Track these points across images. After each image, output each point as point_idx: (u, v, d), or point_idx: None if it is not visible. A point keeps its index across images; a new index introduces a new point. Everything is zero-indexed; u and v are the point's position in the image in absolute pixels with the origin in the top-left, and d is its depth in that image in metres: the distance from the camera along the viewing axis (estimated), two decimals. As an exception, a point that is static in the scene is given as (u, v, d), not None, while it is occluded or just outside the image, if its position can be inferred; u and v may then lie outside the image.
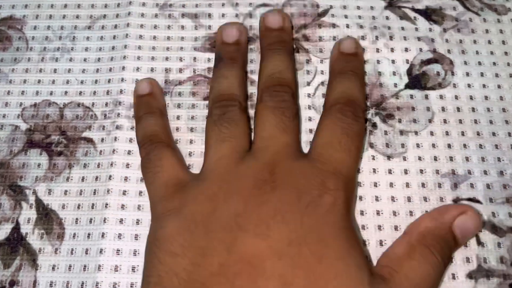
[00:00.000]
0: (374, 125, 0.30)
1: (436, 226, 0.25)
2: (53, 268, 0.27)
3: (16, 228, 0.28)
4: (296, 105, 0.29)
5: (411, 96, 0.31)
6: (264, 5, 0.34)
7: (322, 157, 0.26)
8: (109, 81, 0.32)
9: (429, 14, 0.33)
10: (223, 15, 0.34)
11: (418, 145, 0.30)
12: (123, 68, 0.32)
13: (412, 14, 0.33)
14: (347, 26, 0.33)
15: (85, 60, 0.33)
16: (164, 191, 0.26)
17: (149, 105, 0.30)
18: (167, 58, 0.33)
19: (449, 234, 0.25)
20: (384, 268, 0.24)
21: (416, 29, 0.33)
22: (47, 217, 0.29)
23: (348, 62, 0.30)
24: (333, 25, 0.33)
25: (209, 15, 0.34)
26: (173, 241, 0.23)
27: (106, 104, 0.31)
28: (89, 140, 0.31)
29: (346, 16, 0.34)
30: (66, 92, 0.32)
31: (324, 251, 0.22)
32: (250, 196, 0.24)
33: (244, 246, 0.22)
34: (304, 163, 0.26)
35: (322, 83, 0.31)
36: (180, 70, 0.33)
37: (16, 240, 0.28)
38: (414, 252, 0.24)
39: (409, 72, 0.32)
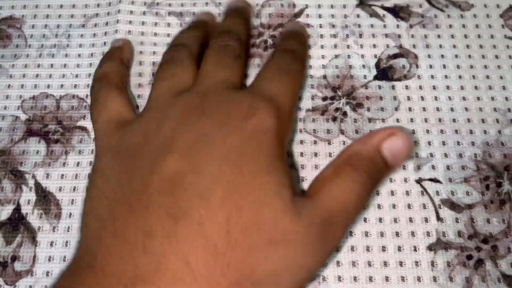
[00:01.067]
0: (345, 114, 0.32)
1: (364, 149, 0.24)
2: (51, 244, 0.29)
3: (17, 209, 0.30)
4: (241, 49, 0.30)
5: (379, 87, 0.33)
6: (245, 4, 0.36)
7: (255, 88, 0.27)
8: (102, 75, 0.34)
9: (397, 11, 0.35)
10: (207, 13, 0.36)
11: (384, 131, 0.32)
12: (115, 63, 0.34)
13: (381, 11, 0.36)
14: (320, 26, 0.35)
15: (79, 55, 0.35)
16: (105, 128, 0.27)
17: (113, 54, 0.32)
18: (154, 53, 0.35)
19: (377, 155, 0.24)
20: (310, 188, 0.24)
21: (384, 26, 0.35)
22: (45, 199, 0.31)
23: (295, 31, 0.34)
24: (308, 25, 0.35)
25: (194, 14, 0.36)
26: (106, 169, 0.24)
27: (99, 96, 0.33)
28: (83, 129, 0.32)
29: (320, 16, 0.36)
30: (62, 85, 0.34)
31: (244, 167, 0.22)
32: (179, 122, 0.24)
33: (167, 166, 0.22)
34: (237, 92, 0.26)
35: (298, 75, 0.33)
36: (168, 65, 0.34)
37: (17, 220, 0.30)
38: (340, 172, 0.24)
39: (377, 65, 0.34)
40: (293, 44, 0.31)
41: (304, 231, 0.22)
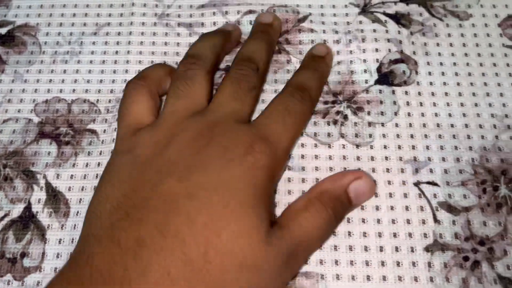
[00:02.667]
0: (346, 117, 0.32)
1: (333, 187, 0.27)
2: (59, 241, 0.30)
3: (28, 207, 0.31)
4: (257, 80, 0.31)
5: (380, 91, 0.33)
6: (250, 11, 0.36)
7: (259, 125, 0.28)
8: (113, 81, 0.35)
9: (399, 18, 0.36)
10: (214, 23, 0.36)
11: (384, 135, 0.32)
12: (126, 70, 0.35)
13: (383, 18, 0.36)
14: (324, 31, 0.35)
15: (91, 62, 0.35)
16: (124, 132, 0.28)
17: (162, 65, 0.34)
18: (165, 62, 0.35)
19: (344, 195, 0.27)
20: (283, 218, 0.26)
21: (387, 31, 0.35)
22: (55, 198, 0.31)
23: (314, 61, 0.33)
24: (311, 30, 0.36)
25: (202, 24, 0.36)
26: (115, 175, 0.26)
27: (109, 101, 0.34)
28: (93, 132, 0.33)
29: (323, 23, 0.36)
30: (74, 90, 0.34)
31: (231, 201, 0.24)
32: (186, 147, 0.26)
33: (165, 186, 0.24)
34: (243, 127, 0.28)
35: (301, 81, 0.34)
36: (176, 71, 0.34)
37: (28, 218, 0.30)
38: (310, 206, 0.26)
39: (378, 69, 0.34)
40: (311, 81, 0.31)
41: (272, 259, 0.24)
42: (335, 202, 0.27)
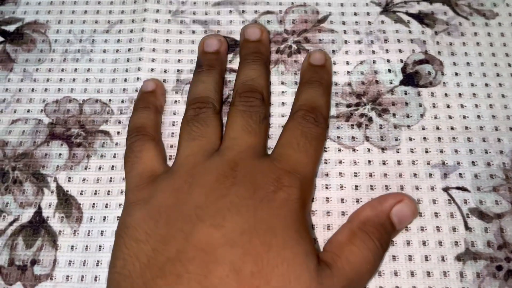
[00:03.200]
0: (370, 120, 0.31)
1: (375, 214, 0.26)
2: (71, 248, 0.28)
3: (38, 212, 0.29)
4: (265, 110, 0.29)
5: (405, 92, 0.32)
6: (268, 12, 0.35)
7: (280, 156, 0.27)
8: (125, 80, 0.33)
9: (422, 18, 0.34)
10: (230, 22, 0.35)
11: (410, 138, 0.30)
12: (139, 68, 0.33)
13: (406, 17, 0.34)
14: (345, 31, 0.34)
15: (103, 61, 0.34)
16: (137, 181, 0.27)
17: (147, 101, 0.31)
18: (179, 60, 0.34)
19: (387, 221, 0.26)
20: (328, 253, 0.25)
21: (410, 31, 0.34)
22: (66, 202, 0.29)
23: (316, 73, 0.31)
24: (332, 31, 0.34)
25: (218, 22, 0.35)
26: (139, 229, 0.24)
27: (122, 101, 0.32)
28: (106, 133, 0.31)
29: (343, 23, 0.34)
30: (85, 90, 0.33)
31: (273, 240, 0.23)
32: (211, 190, 0.25)
33: (200, 235, 0.23)
34: (264, 161, 0.26)
35: (322, 81, 0.32)
36: (191, 71, 0.33)
37: (38, 223, 0.29)
38: (355, 238, 0.25)
39: (403, 70, 0.32)
40: (319, 98, 0.30)
41: None
42: (380, 230, 0.25)
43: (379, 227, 0.25)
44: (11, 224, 0.29)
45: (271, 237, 0.23)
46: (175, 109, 0.32)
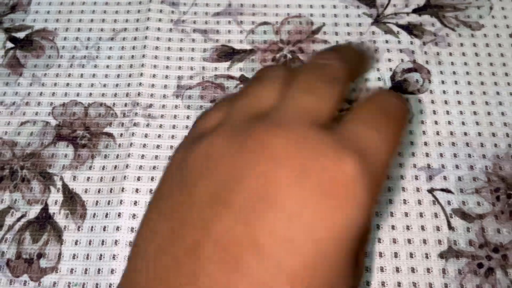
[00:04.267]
0: (359, 125, 0.32)
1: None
2: (75, 243, 0.29)
3: (45, 208, 0.30)
4: (345, 76, 0.22)
5: (393, 100, 0.33)
6: (265, 23, 0.36)
7: (346, 132, 0.19)
8: (128, 85, 0.34)
9: (411, 29, 0.35)
10: (229, 31, 0.36)
11: (398, 142, 0.31)
12: (141, 74, 0.35)
13: (395, 28, 0.35)
14: (337, 42, 0.35)
15: (107, 66, 0.35)
16: (184, 141, 0.21)
17: None
18: (179, 67, 0.35)
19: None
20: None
21: (399, 42, 0.35)
22: (71, 200, 0.31)
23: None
24: (325, 41, 0.35)
25: (217, 31, 0.36)
26: (164, 198, 0.19)
27: (125, 105, 0.33)
28: (110, 135, 0.33)
29: (336, 33, 0.36)
30: (90, 94, 0.34)
31: (310, 259, 0.16)
32: (243, 162, 0.18)
33: (221, 228, 0.17)
34: (322, 134, 0.18)
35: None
36: (191, 77, 0.35)
37: (45, 219, 0.30)
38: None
39: (392, 78, 0.33)
40: (393, 102, 0.22)
41: None
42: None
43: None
44: (19, 219, 0.30)
45: (308, 255, 0.16)
46: (175, 113, 0.33)
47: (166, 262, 0.17)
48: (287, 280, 0.16)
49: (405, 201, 0.29)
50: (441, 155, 0.31)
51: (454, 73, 0.34)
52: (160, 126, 0.33)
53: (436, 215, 0.29)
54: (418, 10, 0.36)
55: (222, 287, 0.16)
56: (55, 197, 0.31)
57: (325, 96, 0.20)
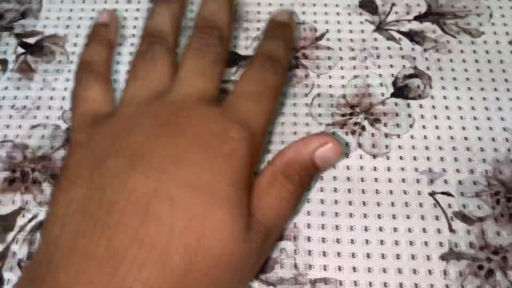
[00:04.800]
0: (363, 128, 0.32)
1: (299, 157, 0.24)
2: (85, 243, 0.30)
3: (55, 210, 0.31)
4: (222, 50, 0.26)
5: (396, 104, 0.33)
6: (270, 27, 0.37)
7: (231, 106, 0.24)
8: (136, 90, 0.35)
9: (412, 35, 0.36)
10: (234, 37, 0.37)
11: (400, 147, 0.32)
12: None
13: (397, 35, 0.36)
14: (340, 48, 0.36)
15: (116, 72, 0.36)
16: (81, 121, 0.25)
17: (100, 35, 0.29)
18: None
19: (310, 164, 0.25)
20: (253, 200, 0.23)
21: (401, 48, 0.35)
22: (81, 202, 0.31)
23: (279, 28, 0.29)
24: (328, 48, 0.36)
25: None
26: (75, 171, 0.22)
27: (134, 109, 0.34)
28: (119, 138, 0.33)
29: (339, 40, 0.36)
30: (100, 98, 0.34)
31: (211, 199, 0.21)
32: (151, 136, 0.22)
33: (133, 185, 0.20)
34: (213, 109, 0.23)
35: (318, 94, 0.34)
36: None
37: (55, 220, 0.30)
38: (275, 182, 0.24)
39: (394, 83, 0.34)
40: (280, 50, 0.27)
41: (254, 253, 0.22)
42: (301, 173, 0.24)
43: (300, 170, 0.24)
44: (30, 221, 0.30)
45: (209, 197, 0.21)
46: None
47: (83, 222, 0.20)
48: (188, 218, 0.20)
49: (406, 204, 0.30)
50: (442, 159, 0.31)
51: (454, 79, 0.34)
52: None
53: (437, 218, 0.29)
54: (419, 18, 0.37)
55: (135, 230, 0.20)
56: (66, 199, 0.31)
57: (211, 77, 0.25)
